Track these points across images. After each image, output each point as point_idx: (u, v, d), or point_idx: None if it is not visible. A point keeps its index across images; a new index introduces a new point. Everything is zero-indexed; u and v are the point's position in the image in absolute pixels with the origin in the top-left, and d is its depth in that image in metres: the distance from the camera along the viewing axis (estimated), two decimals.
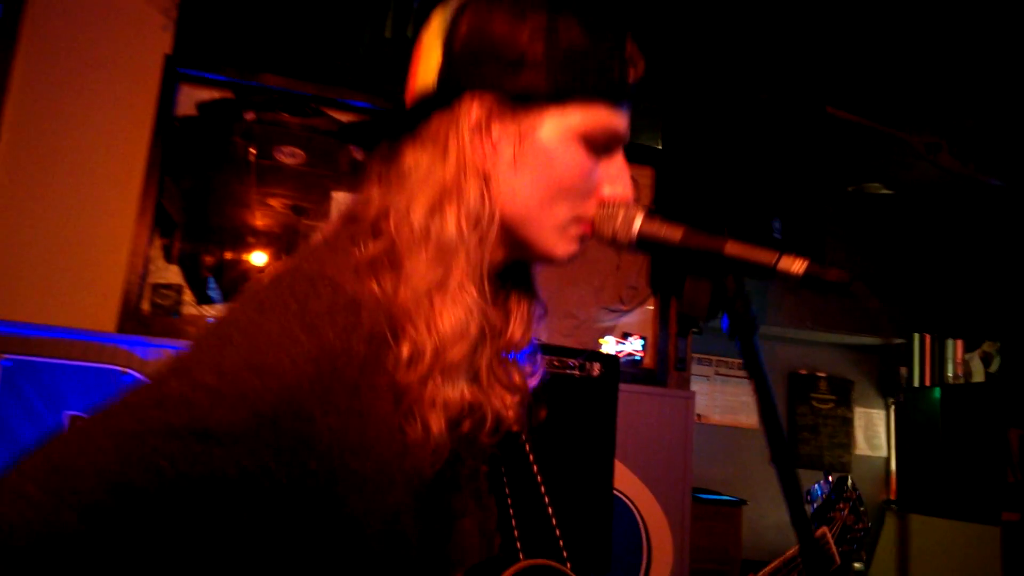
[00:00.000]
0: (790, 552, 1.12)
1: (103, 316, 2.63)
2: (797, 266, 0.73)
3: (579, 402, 2.37)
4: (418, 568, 0.76)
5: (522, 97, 0.77)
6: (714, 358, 5.10)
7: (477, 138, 0.77)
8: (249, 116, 2.81)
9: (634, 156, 3.29)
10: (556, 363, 2.33)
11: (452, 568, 0.83)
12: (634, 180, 2.90)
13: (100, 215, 2.66)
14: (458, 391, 0.74)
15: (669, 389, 3.10)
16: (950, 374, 4.01)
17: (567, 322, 3.08)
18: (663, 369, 3.12)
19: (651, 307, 3.19)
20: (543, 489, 0.98)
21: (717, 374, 5.09)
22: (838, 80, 3.01)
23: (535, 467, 0.99)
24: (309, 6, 2.91)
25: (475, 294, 0.76)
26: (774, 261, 0.73)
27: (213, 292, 2.78)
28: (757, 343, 0.72)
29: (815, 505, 1.18)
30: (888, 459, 5.26)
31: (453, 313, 0.73)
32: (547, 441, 2.28)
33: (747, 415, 5.10)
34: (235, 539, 0.61)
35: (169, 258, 2.74)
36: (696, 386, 5.03)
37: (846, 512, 1.17)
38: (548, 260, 0.85)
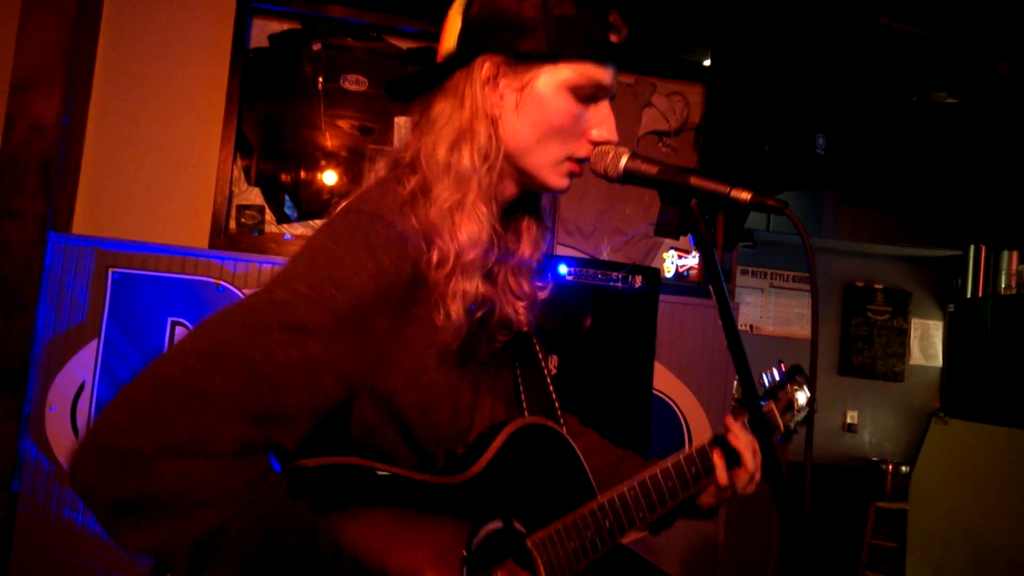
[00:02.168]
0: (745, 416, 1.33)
1: (196, 234, 2.94)
2: (744, 195, 0.90)
3: (623, 312, 2.57)
4: (445, 428, 1.01)
5: (523, 56, 0.98)
6: (769, 271, 5.18)
7: (487, 89, 0.99)
8: (316, 46, 3.01)
9: (684, 73, 3.36)
10: (601, 276, 2.53)
11: (472, 428, 1.06)
12: (683, 97, 2.98)
13: (188, 143, 2.94)
14: (473, 285, 0.97)
15: (714, 300, 3.26)
16: (1003, 285, 4.02)
17: (617, 238, 3.25)
18: (708, 282, 3.28)
19: None
20: (547, 374, 1.20)
21: (771, 286, 5.19)
22: None
23: (541, 357, 1.21)
24: None
25: (485, 211, 0.98)
26: (727, 191, 0.91)
27: (290, 211, 3.06)
28: (715, 257, 0.91)
29: (766, 386, 1.39)
30: (944, 369, 5.32)
31: (468, 226, 0.96)
32: (591, 347, 2.50)
33: (800, 326, 5.21)
34: (324, 396, 0.85)
35: (250, 180, 3.02)
36: (750, 298, 5.15)
37: (793, 392, 1.37)
38: (545, 189, 1.07)
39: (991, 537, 3.67)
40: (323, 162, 3.10)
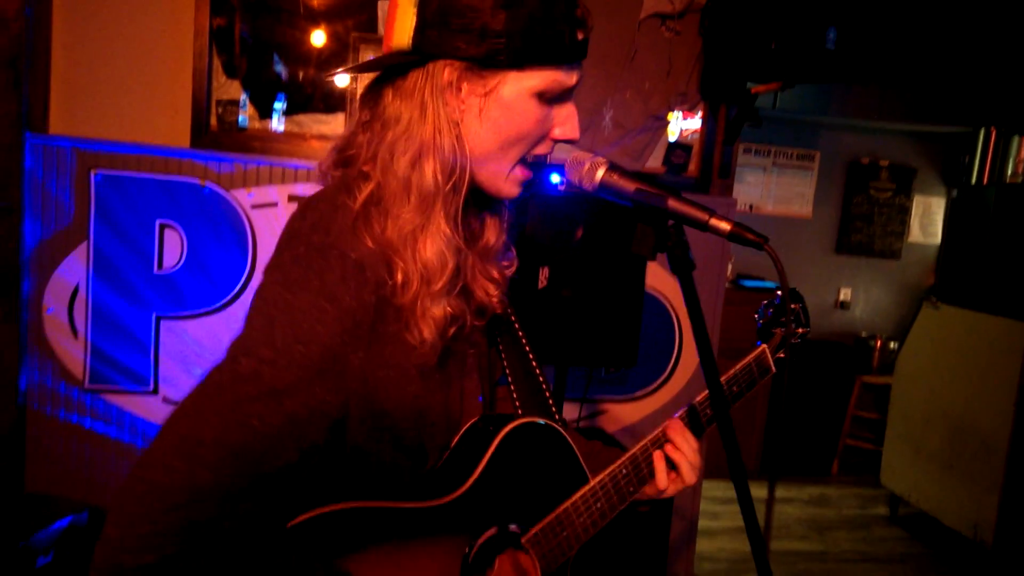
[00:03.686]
0: (741, 364, 1.31)
1: (177, 132, 2.84)
2: (724, 226, 0.85)
3: (616, 220, 2.51)
4: (438, 429, 1.01)
5: (487, 64, 0.90)
6: (773, 148, 5.05)
7: (449, 94, 0.91)
8: None
9: None
10: None
11: (463, 417, 1.07)
12: None
13: (159, 32, 2.78)
14: (441, 309, 0.93)
15: (711, 196, 3.19)
16: (1010, 172, 3.91)
17: (616, 132, 3.13)
18: (707, 177, 3.20)
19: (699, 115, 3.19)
20: (532, 357, 1.19)
21: (775, 164, 5.07)
22: None
23: (523, 339, 1.19)
24: None
25: (450, 234, 0.93)
26: (706, 219, 0.86)
27: (274, 104, 2.93)
28: (692, 282, 0.87)
29: (760, 324, 1.35)
30: (940, 250, 5.31)
31: (433, 246, 0.91)
32: (583, 256, 2.47)
33: (800, 205, 5.15)
34: (314, 446, 0.85)
35: (229, 73, 2.87)
36: (751, 177, 5.06)
37: (789, 325, 1.34)
38: (496, 196, 1.01)
39: (969, 419, 3.81)
40: (308, 41, 2.93)
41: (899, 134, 5.18)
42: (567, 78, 0.93)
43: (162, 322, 2.78)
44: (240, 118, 2.89)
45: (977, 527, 3.68)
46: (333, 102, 2.96)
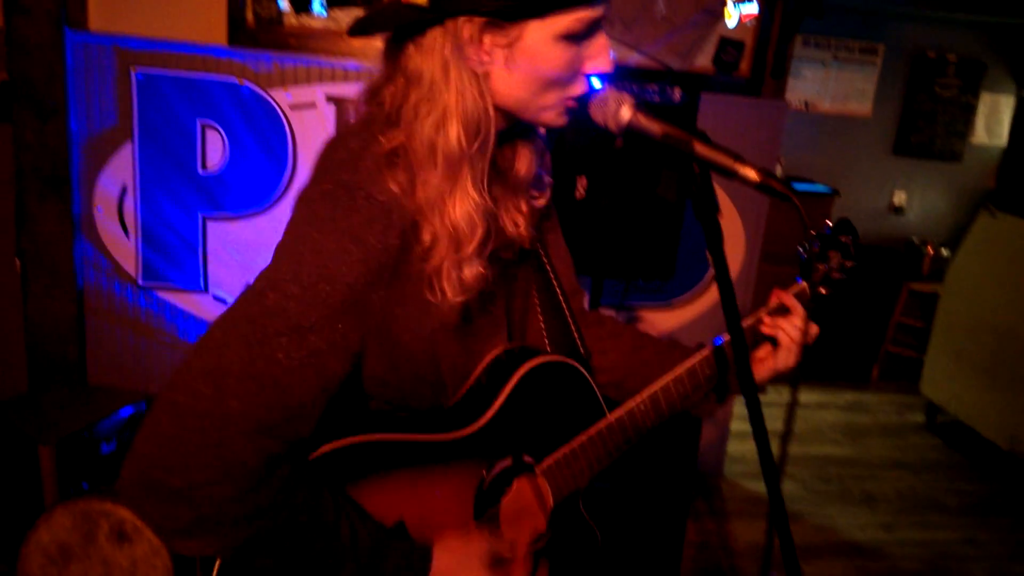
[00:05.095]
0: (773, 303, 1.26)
1: (213, 28, 2.80)
2: (751, 174, 0.82)
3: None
4: (457, 361, 1.03)
5: (507, 16, 0.85)
6: (834, 41, 4.75)
7: (471, 50, 0.87)
8: None
9: None
10: (636, 88, 2.37)
11: (484, 352, 1.07)
12: None
13: None
14: (474, 271, 0.94)
15: (761, 99, 3.06)
16: None
17: (663, 27, 2.99)
18: (759, 77, 3.05)
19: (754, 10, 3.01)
20: (559, 290, 1.18)
21: (835, 58, 4.79)
22: None
23: (551, 272, 1.18)
24: None
25: (478, 198, 0.91)
26: (733, 166, 0.83)
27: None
28: (718, 227, 0.85)
29: (804, 257, 1.25)
30: (1005, 152, 5.04)
31: (462, 211, 0.91)
32: (622, 163, 2.41)
33: (859, 102, 4.90)
34: (335, 377, 0.88)
35: None
36: (809, 71, 4.81)
37: (834, 261, 1.25)
38: (541, 126, 1.00)
39: (1017, 331, 3.74)
40: None
41: (970, 26, 4.83)
42: (592, 12, 0.88)
43: (208, 223, 2.84)
44: (276, 14, 2.82)
45: (1013, 438, 3.68)
46: None
